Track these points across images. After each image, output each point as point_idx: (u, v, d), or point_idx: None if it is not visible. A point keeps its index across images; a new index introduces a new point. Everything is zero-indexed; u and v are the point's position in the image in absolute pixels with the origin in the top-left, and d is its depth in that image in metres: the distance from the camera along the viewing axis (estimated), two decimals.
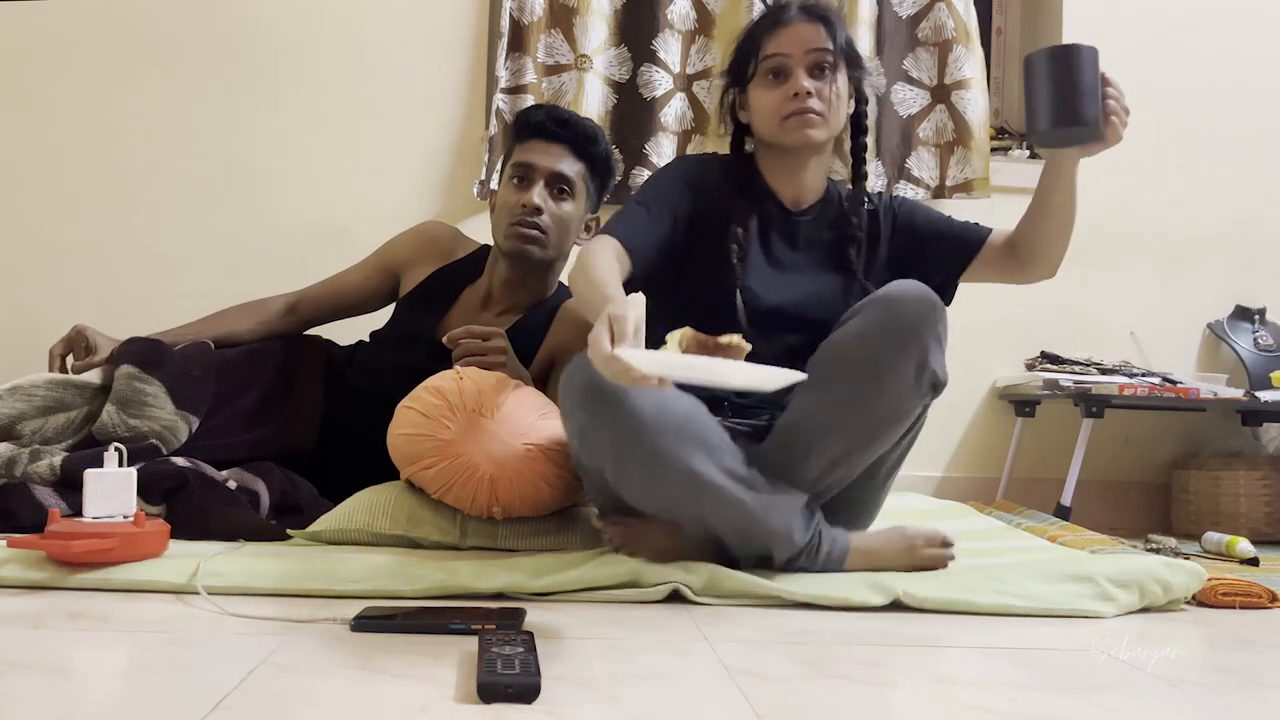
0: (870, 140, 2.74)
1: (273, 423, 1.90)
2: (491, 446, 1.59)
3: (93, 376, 1.83)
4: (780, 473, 1.45)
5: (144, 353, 1.81)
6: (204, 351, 1.89)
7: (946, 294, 1.70)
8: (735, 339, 1.16)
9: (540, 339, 1.95)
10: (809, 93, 1.54)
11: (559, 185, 1.87)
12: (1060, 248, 1.64)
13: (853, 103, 1.64)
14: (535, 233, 1.86)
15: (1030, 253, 1.65)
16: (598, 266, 1.39)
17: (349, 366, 1.99)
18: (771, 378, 1.11)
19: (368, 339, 2.07)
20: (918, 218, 1.71)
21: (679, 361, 1.09)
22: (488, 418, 1.61)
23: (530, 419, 1.64)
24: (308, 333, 2.10)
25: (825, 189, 1.69)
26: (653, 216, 1.56)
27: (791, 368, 1.58)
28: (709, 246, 1.60)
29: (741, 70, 1.62)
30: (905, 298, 1.41)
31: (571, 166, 1.88)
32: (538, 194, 1.85)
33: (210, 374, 1.86)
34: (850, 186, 1.71)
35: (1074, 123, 1.41)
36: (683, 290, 1.59)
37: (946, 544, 1.51)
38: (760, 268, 1.61)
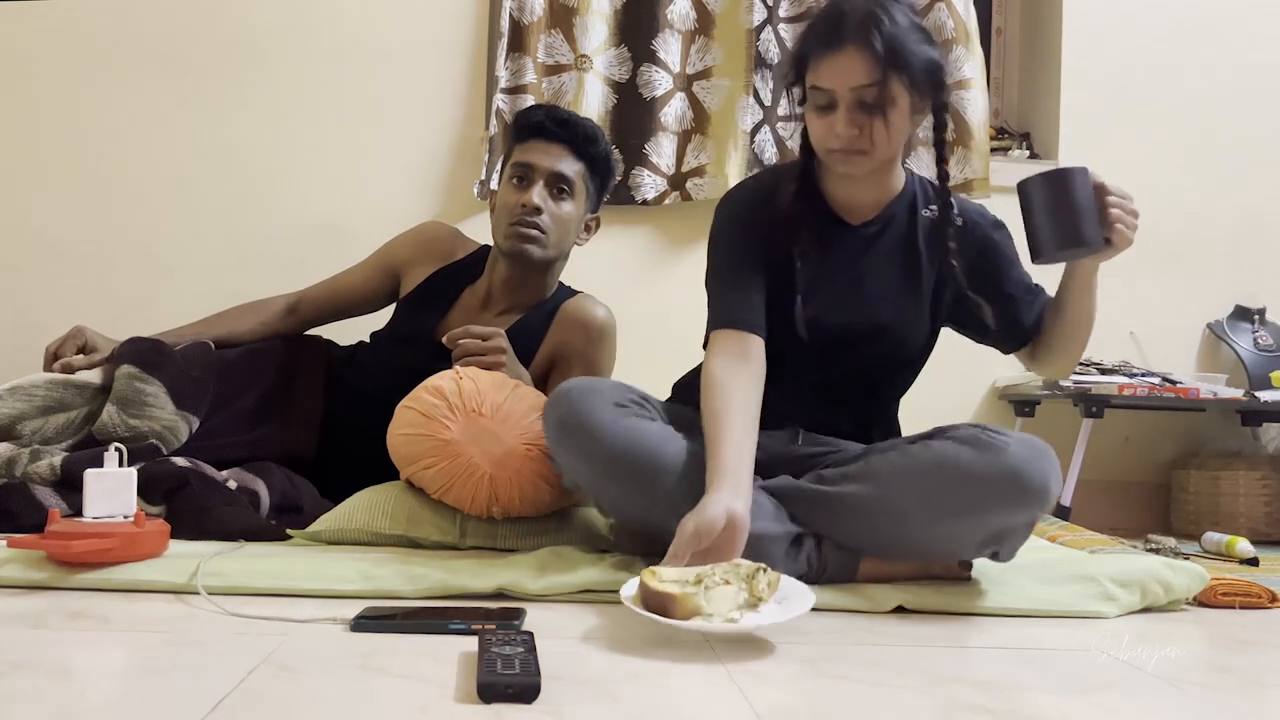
0: None
1: (273, 423, 1.90)
2: (491, 446, 1.59)
3: (93, 376, 1.83)
4: (805, 516, 1.42)
5: (144, 353, 1.81)
6: (204, 352, 1.89)
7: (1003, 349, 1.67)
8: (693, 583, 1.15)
9: (541, 339, 1.95)
10: (853, 132, 1.42)
11: (558, 185, 1.87)
12: (1072, 356, 1.57)
13: (928, 107, 1.48)
14: (535, 232, 1.86)
15: (1045, 352, 1.60)
16: (715, 406, 1.39)
17: (349, 367, 1.99)
18: (778, 618, 1.13)
19: (368, 339, 2.07)
20: (1003, 263, 1.59)
21: (686, 626, 1.10)
22: (487, 418, 1.61)
23: (529, 418, 1.64)
24: (308, 333, 2.10)
25: (898, 191, 1.56)
26: (752, 286, 1.51)
27: (858, 388, 1.57)
28: (774, 269, 1.54)
29: (800, 76, 1.48)
30: (1032, 479, 1.33)
31: (571, 166, 1.88)
32: (537, 194, 1.85)
33: (210, 374, 1.86)
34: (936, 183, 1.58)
35: (1075, 245, 1.38)
36: (782, 322, 1.54)
37: (965, 565, 1.46)
38: (823, 287, 1.53)
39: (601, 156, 1.92)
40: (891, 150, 1.47)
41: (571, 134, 1.88)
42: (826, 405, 1.57)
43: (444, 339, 1.78)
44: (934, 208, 1.56)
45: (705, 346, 1.51)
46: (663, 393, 1.66)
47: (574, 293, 2.00)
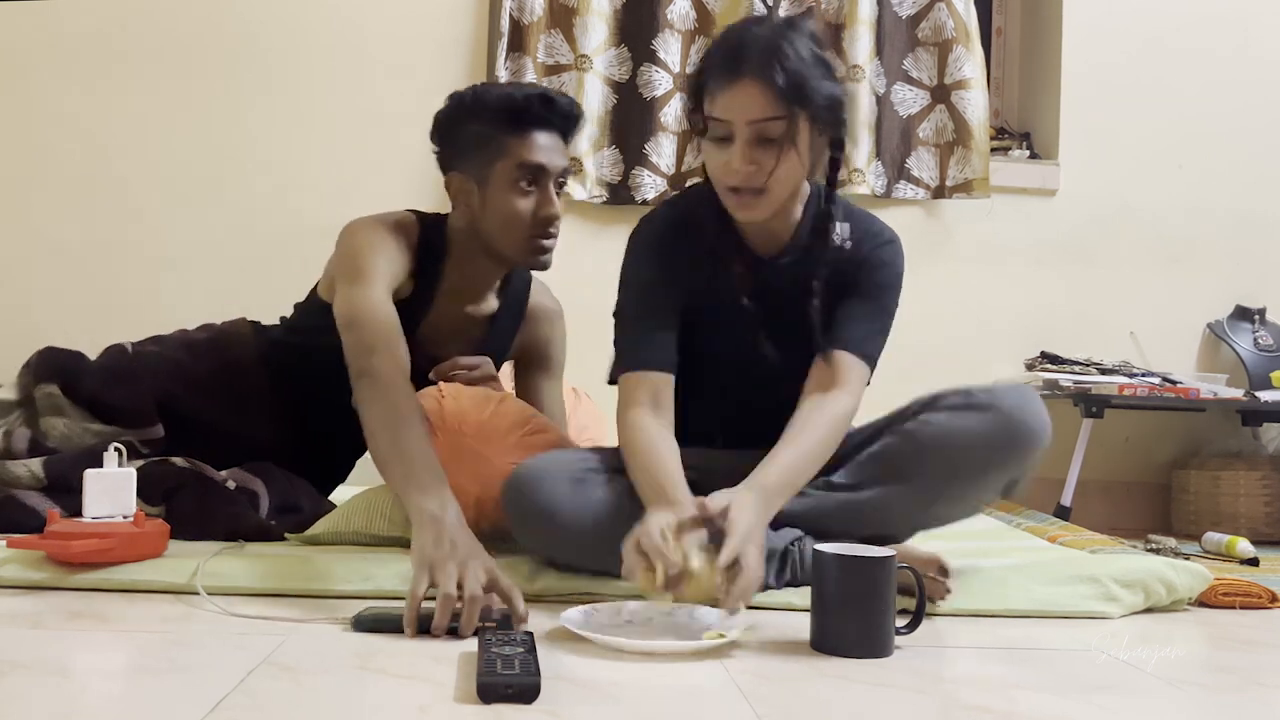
0: (870, 141, 2.75)
1: (237, 424, 1.84)
2: (477, 467, 1.53)
3: (7, 393, 1.79)
4: (823, 528, 1.40)
5: (65, 371, 1.77)
6: (122, 356, 1.84)
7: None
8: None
9: (514, 335, 1.89)
10: (750, 168, 1.34)
11: (559, 179, 1.74)
12: None
13: (827, 143, 1.41)
14: (554, 242, 1.73)
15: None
16: (643, 452, 1.36)
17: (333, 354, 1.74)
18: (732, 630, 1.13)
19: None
20: (859, 285, 1.48)
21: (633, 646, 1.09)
22: (471, 438, 1.56)
23: (514, 436, 1.60)
24: (235, 321, 1.95)
25: (801, 216, 1.49)
26: (660, 323, 1.47)
27: (780, 403, 1.44)
28: (688, 302, 1.49)
29: (699, 103, 1.40)
30: (1031, 423, 1.39)
31: (566, 155, 1.75)
32: (558, 202, 1.72)
33: (136, 381, 1.79)
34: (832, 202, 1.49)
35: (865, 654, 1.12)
36: (699, 349, 1.50)
37: (944, 572, 1.39)
38: (740, 321, 1.47)
39: (578, 132, 1.80)
40: (788, 190, 1.39)
41: (564, 120, 1.74)
42: (750, 419, 1.50)
43: (431, 375, 1.70)
44: (840, 229, 1.48)
45: (611, 381, 1.49)
46: None
47: (526, 277, 1.90)
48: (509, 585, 1.17)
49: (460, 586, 1.13)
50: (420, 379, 1.54)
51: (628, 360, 1.47)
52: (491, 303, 1.84)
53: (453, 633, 1.11)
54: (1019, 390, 1.42)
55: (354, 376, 1.46)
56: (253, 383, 1.83)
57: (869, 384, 1.48)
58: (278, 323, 1.92)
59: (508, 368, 1.95)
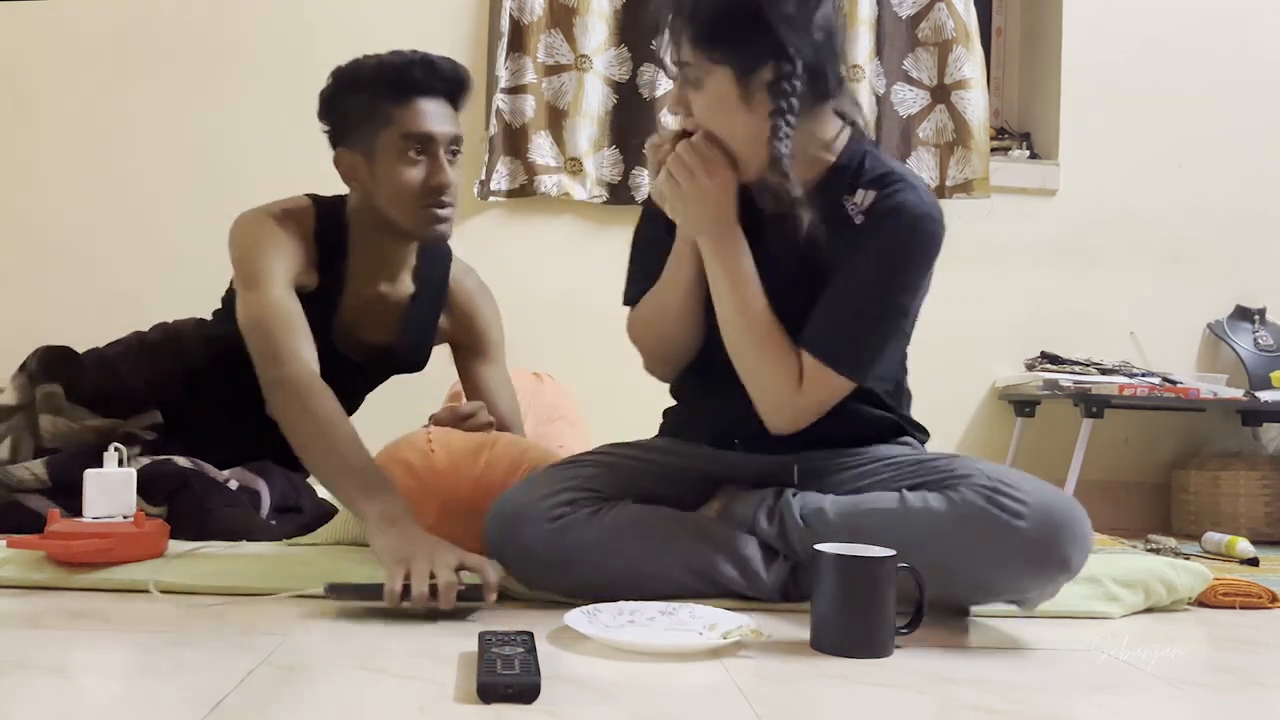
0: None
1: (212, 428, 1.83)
2: (475, 525, 1.41)
3: (6, 398, 1.78)
4: (792, 541, 1.33)
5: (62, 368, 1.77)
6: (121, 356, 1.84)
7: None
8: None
9: (434, 316, 1.85)
10: (677, 110, 1.33)
11: (451, 147, 1.67)
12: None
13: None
14: (450, 211, 1.67)
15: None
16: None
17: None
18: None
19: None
20: (854, 264, 1.31)
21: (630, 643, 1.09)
22: (466, 495, 1.50)
23: (511, 481, 1.52)
24: (184, 320, 1.93)
25: (816, 178, 1.34)
26: (646, 262, 1.47)
27: None
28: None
29: None
30: (1048, 561, 1.18)
31: (456, 122, 1.68)
32: (450, 170, 1.65)
33: (130, 377, 1.79)
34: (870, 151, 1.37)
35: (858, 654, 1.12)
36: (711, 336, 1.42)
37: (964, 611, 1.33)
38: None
39: (466, 96, 1.72)
40: (740, 144, 1.29)
41: (451, 85, 1.67)
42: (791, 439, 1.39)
43: (428, 423, 1.69)
44: (860, 197, 1.32)
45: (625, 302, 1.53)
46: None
47: (440, 253, 1.85)
48: (479, 560, 1.22)
49: (433, 577, 1.17)
50: (336, 364, 1.50)
51: (625, 294, 1.51)
52: (407, 284, 1.78)
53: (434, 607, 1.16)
54: (1050, 512, 1.18)
55: (265, 387, 1.45)
56: (205, 378, 1.81)
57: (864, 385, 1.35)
58: (211, 316, 1.89)
59: (443, 353, 1.92)
